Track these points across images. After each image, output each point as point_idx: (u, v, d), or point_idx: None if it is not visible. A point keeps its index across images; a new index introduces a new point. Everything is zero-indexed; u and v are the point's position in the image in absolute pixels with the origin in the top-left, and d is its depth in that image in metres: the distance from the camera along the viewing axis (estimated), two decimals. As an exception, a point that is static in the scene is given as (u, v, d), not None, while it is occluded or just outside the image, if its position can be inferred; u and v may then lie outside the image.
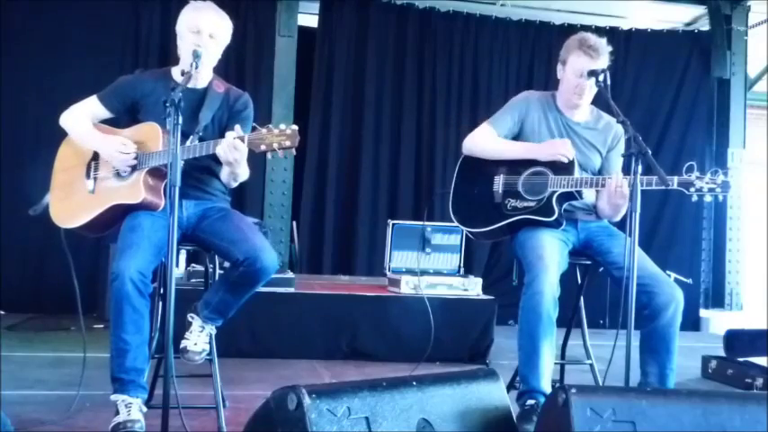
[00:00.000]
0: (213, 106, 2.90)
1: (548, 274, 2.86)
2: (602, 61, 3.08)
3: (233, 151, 2.61)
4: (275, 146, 2.52)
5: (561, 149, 3.05)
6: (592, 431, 1.89)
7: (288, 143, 2.51)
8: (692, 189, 2.77)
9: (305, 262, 6.54)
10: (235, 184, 2.93)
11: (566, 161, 3.04)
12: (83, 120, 2.93)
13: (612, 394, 2.00)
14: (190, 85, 2.84)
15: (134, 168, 2.80)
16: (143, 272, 2.59)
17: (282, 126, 2.54)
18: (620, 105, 2.95)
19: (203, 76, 2.94)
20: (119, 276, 2.56)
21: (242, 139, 2.60)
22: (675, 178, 2.78)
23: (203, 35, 2.83)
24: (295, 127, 2.52)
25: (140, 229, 2.69)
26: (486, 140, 3.21)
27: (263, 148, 2.54)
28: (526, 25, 7.21)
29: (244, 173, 2.85)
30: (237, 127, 2.69)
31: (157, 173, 2.78)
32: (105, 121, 2.98)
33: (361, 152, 6.84)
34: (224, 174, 2.88)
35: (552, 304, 2.84)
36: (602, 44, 3.10)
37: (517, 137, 3.23)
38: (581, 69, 3.07)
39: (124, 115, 2.97)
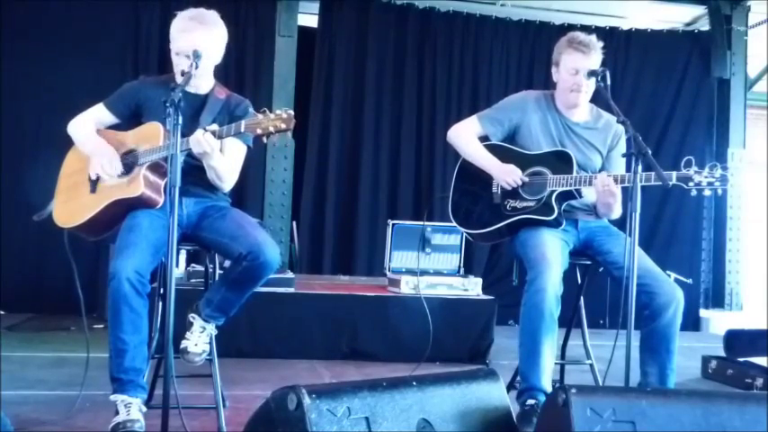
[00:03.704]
0: (214, 110, 2.91)
1: (550, 272, 2.86)
2: (595, 56, 3.08)
3: (196, 145, 2.63)
4: (271, 128, 2.51)
5: (508, 178, 3.10)
6: (592, 431, 1.89)
7: (283, 126, 2.50)
8: (691, 184, 2.76)
9: (305, 262, 6.54)
10: (219, 183, 2.89)
11: (508, 188, 3.10)
12: (86, 125, 2.95)
13: (612, 394, 2.01)
14: (192, 91, 2.86)
15: (134, 165, 2.81)
16: (140, 272, 2.59)
17: (279, 111, 2.53)
18: (620, 105, 2.94)
19: (204, 83, 2.95)
20: (115, 276, 2.56)
21: (214, 133, 2.62)
22: (674, 173, 2.78)
23: (191, 57, 2.73)
24: (291, 111, 2.52)
25: (138, 229, 2.69)
26: (464, 137, 3.24)
27: (259, 131, 2.54)
28: (526, 25, 7.20)
29: (223, 170, 2.83)
30: (214, 125, 2.70)
31: (158, 170, 2.79)
32: (109, 127, 3.00)
33: (361, 152, 6.83)
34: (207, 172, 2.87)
35: (555, 302, 2.84)
36: (593, 40, 3.10)
37: (512, 138, 3.22)
38: (575, 67, 3.07)
39: (129, 119, 2.98)
